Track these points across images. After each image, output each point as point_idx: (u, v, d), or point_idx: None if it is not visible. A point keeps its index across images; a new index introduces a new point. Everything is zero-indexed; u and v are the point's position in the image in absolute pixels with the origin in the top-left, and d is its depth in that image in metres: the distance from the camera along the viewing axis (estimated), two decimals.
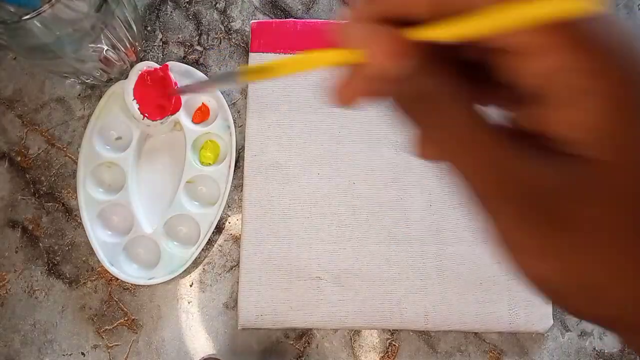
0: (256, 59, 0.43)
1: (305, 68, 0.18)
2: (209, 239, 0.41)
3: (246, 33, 0.45)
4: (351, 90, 0.17)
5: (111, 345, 0.41)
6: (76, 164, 0.42)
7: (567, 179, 0.14)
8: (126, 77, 0.41)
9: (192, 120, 0.43)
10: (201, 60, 0.44)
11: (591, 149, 0.14)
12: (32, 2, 0.34)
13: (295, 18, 0.45)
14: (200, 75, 0.43)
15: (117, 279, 0.41)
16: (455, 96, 0.15)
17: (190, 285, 0.41)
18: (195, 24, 0.45)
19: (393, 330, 0.40)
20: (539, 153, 0.15)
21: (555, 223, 0.14)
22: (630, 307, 0.14)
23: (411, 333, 0.40)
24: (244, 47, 0.45)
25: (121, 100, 0.41)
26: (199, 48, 0.45)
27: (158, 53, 0.45)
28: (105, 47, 0.39)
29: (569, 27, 0.13)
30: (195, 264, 0.41)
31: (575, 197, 0.14)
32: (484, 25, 0.13)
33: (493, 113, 0.16)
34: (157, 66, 0.41)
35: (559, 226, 0.14)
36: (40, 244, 0.42)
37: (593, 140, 0.14)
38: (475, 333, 0.40)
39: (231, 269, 0.42)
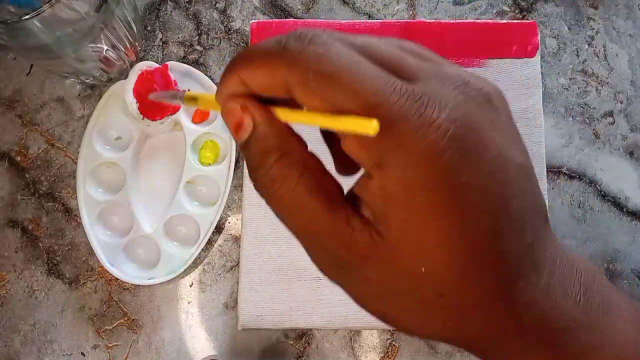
0: None
1: (209, 108, 0.22)
2: (209, 239, 0.41)
3: (246, 33, 0.45)
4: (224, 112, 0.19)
5: (111, 345, 0.41)
6: (76, 164, 0.42)
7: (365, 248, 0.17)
8: (126, 77, 0.41)
9: (192, 120, 0.43)
10: (201, 60, 0.44)
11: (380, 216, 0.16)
12: (32, 2, 0.34)
13: (295, 18, 0.45)
14: (200, 75, 0.43)
15: (117, 279, 0.41)
16: (292, 163, 0.18)
17: (190, 286, 0.41)
18: (195, 24, 0.45)
19: (393, 330, 0.40)
20: (360, 222, 0.17)
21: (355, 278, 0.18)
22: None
23: None
24: (243, 47, 0.45)
25: (121, 100, 0.41)
26: (199, 48, 0.45)
27: (158, 53, 0.45)
28: (105, 47, 0.39)
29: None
30: (195, 264, 0.41)
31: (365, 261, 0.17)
32: (311, 120, 0.17)
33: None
34: (157, 66, 0.41)
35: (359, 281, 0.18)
36: (40, 244, 0.42)
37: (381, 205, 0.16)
38: None
39: (231, 269, 0.42)
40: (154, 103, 0.41)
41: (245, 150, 0.18)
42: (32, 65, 0.44)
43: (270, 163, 0.17)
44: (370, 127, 0.14)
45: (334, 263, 0.18)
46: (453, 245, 0.15)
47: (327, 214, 0.17)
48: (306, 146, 0.18)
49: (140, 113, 0.41)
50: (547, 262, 0.17)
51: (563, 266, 0.17)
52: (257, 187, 0.18)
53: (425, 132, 0.15)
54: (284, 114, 0.18)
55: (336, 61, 0.16)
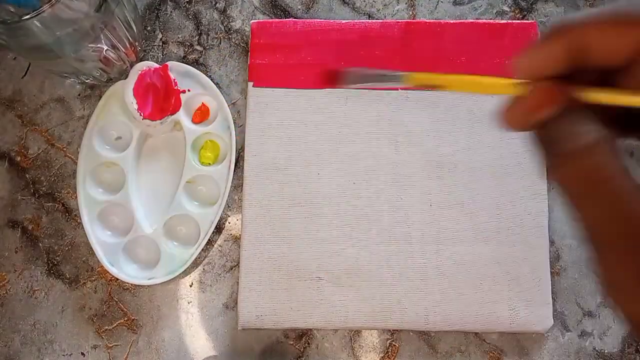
0: (257, 59, 0.43)
1: (474, 90, 0.21)
2: (209, 239, 0.41)
3: (246, 33, 0.45)
4: (512, 119, 0.19)
5: (111, 345, 0.41)
6: (76, 164, 0.42)
7: None
8: (126, 77, 0.41)
9: (192, 120, 0.43)
10: (201, 60, 0.44)
11: None
12: (31, 2, 0.34)
13: (295, 18, 0.45)
14: (200, 75, 0.43)
15: (117, 279, 0.41)
16: (599, 140, 0.17)
17: (190, 286, 0.41)
18: (195, 24, 0.45)
19: (393, 330, 0.40)
20: None
21: None
22: None
23: (411, 333, 0.40)
24: (244, 46, 0.45)
25: (121, 100, 0.41)
26: (198, 48, 0.45)
27: (158, 53, 0.45)
28: (105, 47, 0.39)
29: None
30: (195, 264, 0.41)
31: None
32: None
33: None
34: (157, 66, 0.41)
35: None
36: (40, 244, 0.42)
37: None
38: (476, 333, 0.40)
39: (231, 269, 0.42)
40: (154, 103, 0.41)
41: (547, 131, 0.18)
42: (28, 68, 0.44)
43: (597, 147, 0.16)
44: None
45: None
46: None
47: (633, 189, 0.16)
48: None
49: (140, 113, 0.41)
50: None
51: None
52: (569, 172, 0.17)
53: None
54: (596, 95, 0.17)
55: None
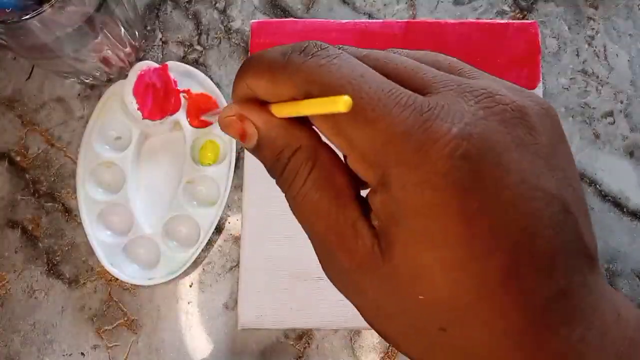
0: None
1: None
2: (209, 239, 0.41)
3: (246, 33, 0.45)
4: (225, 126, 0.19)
5: (111, 345, 0.41)
6: (76, 164, 0.42)
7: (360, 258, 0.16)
8: (126, 77, 0.41)
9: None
10: (201, 60, 0.44)
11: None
12: (7, 3, 0.34)
13: (295, 18, 0.45)
14: (200, 75, 0.43)
15: (117, 279, 0.41)
16: (317, 162, 0.17)
17: (190, 286, 0.41)
18: (195, 24, 0.45)
19: None
20: (362, 225, 0.16)
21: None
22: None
23: None
24: (243, 46, 0.45)
25: (121, 100, 0.41)
26: (198, 48, 0.45)
27: (158, 53, 0.45)
28: (105, 47, 0.39)
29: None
30: (195, 264, 0.41)
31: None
32: (295, 111, 0.16)
33: None
34: (157, 66, 0.41)
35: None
36: (40, 244, 0.42)
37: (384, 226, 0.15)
38: None
39: (231, 269, 0.42)
40: (154, 103, 0.41)
41: (257, 156, 0.18)
42: (32, 70, 0.44)
43: (284, 162, 0.17)
44: (341, 103, 0.13)
45: (334, 265, 0.17)
46: (457, 279, 0.14)
47: (333, 210, 0.16)
48: (319, 137, 0.17)
49: (140, 113, 0.41)
50: (586, 313, 0.14)
51: (606, 318, 0.14)
52: (282, 190, 0.18)
53: (430, 149, 0.13)
54: (277, 109, 0.17)
55: (336, 72, 0.15)
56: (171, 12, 0.45)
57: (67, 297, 0.41)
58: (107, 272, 0.41)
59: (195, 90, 0.42)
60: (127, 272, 0.41)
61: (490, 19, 0.45)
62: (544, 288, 0.14)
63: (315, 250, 0.18)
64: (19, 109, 0.44)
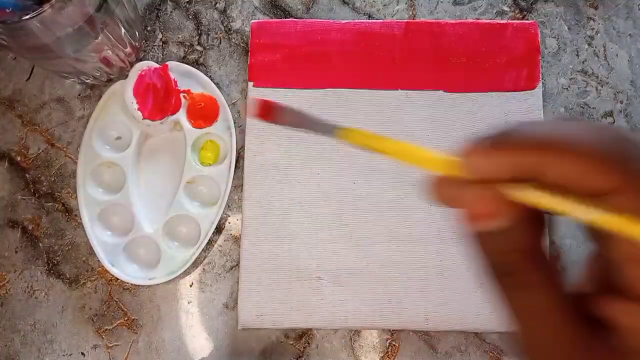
0: (258, 59, 0.43)
1: (407, 160, 0.19)
2: (209, 239, 0.41)
3: (246, 33, 0.45)
4: (444, 197, 0.17)
5: (111, 345, 0.41)
6: (76, 164, 0.42)
7: None
8: (126, 77, 0.41)
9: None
10: (201, 60, 0.44)
11: None
12: (7, 3, 0.34)
13: (295, 18, 0.45)
14: (200, 75, 0.43)
15: (117, 279, 0.41)
16: (542, 263, 0.16)
17: (190, 286, 0.41)
18: (195, 24, 0.45)
19: (393, 330, 0.40)
20: (602, 346, 0.15)
21: None
22: None
23: (411, 333, 0.40)
24: (244, 47, 0.45)
25: (121, 100, 0.41)
26: (199, 48, 0.45)
27: (158, 53, 0.45)
28: (105, 47, 0.39)
29: None
30: (195, 264, 0.41)
31: None
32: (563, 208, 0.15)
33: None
34: (157, 66, 0.41)
35: None
36: (40, 244, 0.42)
37: None
38: (476, 333, 0.40)
39: (231, 269, 0.42)
40: (154, 103, 0.41)
41: (482, 241, 0.16)
42: (32, 70, 0.44)
43: (516, 265, 0.16)
44: None
45: None
46: None
47: (571, 331, 0.15)
48: (542, 236, 0.16)
49: (140, 113, 0.41)
50: None
51: None
52: (494, 281, 0.16)
53: None
54: (536, 197, 0.15)
55: None
56: (171, 12, 0.45)
57: (68, 297, 0.41)
58: (108, 272, 0.41)
59: (196, 90, 0.42)
60: (127, 272, 0.41)
61: (490, 19, 0.45)
62: None
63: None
64: (19, 109, 0.44)
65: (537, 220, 0.16)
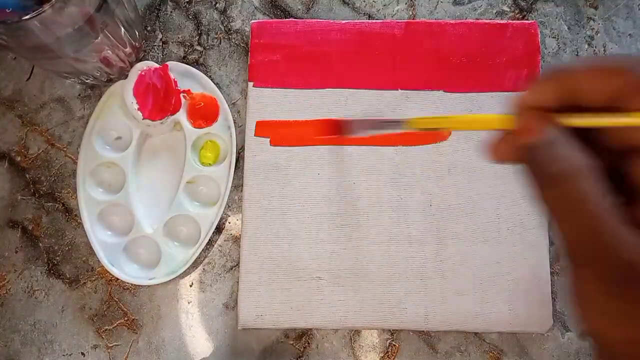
0: (258, 59, 0.43)
1: (474, 127, 0.22)
2: (209, 239, 0.41)
3: (246, 33, 0.45)
4: (500, 151, 0.21)
5: (111, 345, 0.41)
6: (76, 164, 0.42)
7: None
8: (126, 77, 0.41)
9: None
10: (201, 60, 0.45)
11: None
12: (7, 3, 0.34)
13: (295, 18, 0.45)
14: (200, 75, 0.43)
15: (117, 279, 0.41)
16: (580, 166, 0.18)
17: (190, 286, 0.41)
18: (195, 24, 0.45)
19: (393, 330, 0.40)
20: None
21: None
22: None
23: (411, 333, 0.40)
24: (244, 47, 0.45)
25: (121, 100, 0.41)
26: (199, 48, 0.45)
27: (158, 53, 0.45)
28: (105, 47, 0.39)
29: None
30: (195, 264, 0.41)
31: None
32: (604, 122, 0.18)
33: None
34: (157, 66, 0.41)
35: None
36: (40, 244, 0.42)
37: None
38: (476, 333, 0.40)
39: (231, 269, 0.42)
40: (154, 103, 0.41)
41: (531, 155, 0.19)
42: (32, 70, 0.45)
43: (577, 172, 0.18)
44: None
45: (617, 282, 0.17)
46: None
47: (624, 227, 0.17)
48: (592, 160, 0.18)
49: (140, 113, 0.41)
50: None
51: None
52: (551, 193, 0.19)
53: None
54: (579, 120, 0.19)
55: None
56: (171, 12, 0.45)
57: (68, 297, 0.41)
58: (108, 271, 0.41)
59: (196, 90, 0.42)
60: (127, 271, 0.41)
61: (490, 19, 0.45)
62: None
63: (583, 263, 0.18)
64: (19, 109, 0.44)
65: (583, 141, 0.19)
